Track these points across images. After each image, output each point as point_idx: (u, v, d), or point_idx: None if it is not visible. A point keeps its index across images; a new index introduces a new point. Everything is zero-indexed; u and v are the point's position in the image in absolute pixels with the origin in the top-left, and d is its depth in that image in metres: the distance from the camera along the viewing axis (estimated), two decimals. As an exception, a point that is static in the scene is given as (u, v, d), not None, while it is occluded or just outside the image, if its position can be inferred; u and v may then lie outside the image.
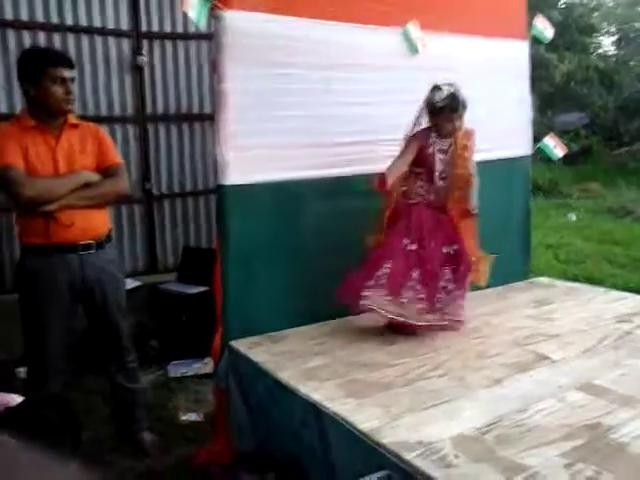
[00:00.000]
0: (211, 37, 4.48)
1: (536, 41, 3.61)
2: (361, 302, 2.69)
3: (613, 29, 19.00)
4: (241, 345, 2.71)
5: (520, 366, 2.39)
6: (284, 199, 2.93)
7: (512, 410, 2.01)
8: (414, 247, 2.79)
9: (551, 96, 15.38)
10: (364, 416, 2.00)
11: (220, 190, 2.78)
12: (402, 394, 2.18)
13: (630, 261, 6.68)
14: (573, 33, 16.68)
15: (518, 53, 3.66)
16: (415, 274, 2.74)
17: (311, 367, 2.46)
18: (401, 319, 2.70)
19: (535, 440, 1.82)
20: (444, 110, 2.77)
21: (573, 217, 9.65)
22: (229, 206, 2.78)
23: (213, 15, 2.71)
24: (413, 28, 2.95)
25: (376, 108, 3.14)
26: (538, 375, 2.31)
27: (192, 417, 3.13)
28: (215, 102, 2.81)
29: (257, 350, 2.65)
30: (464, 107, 2.79)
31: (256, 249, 2.85)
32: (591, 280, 5.49)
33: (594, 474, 1.62)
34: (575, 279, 5.20)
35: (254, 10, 2.75)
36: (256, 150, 2.82)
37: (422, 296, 2.73)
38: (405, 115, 3.22)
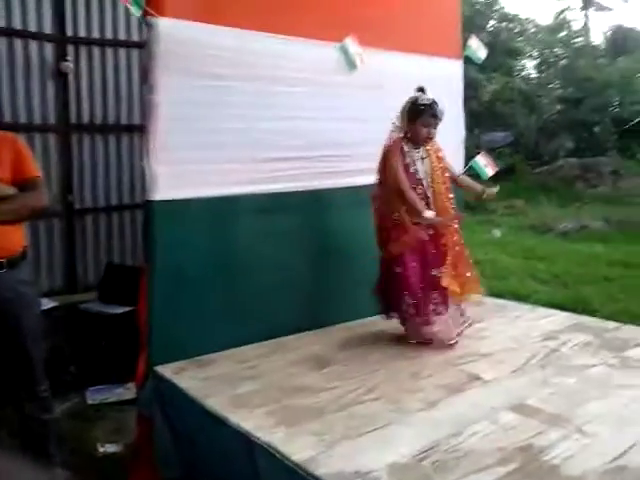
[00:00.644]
0: (142, 45, 4.34)
1: (469, 61, 3.68)
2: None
3: (535, 53, 20.00)
4: (167, 370, 2.57)
5: (454, 387, 2.38)
6: (216, 216, 2.82)
7: (447, 434, 1.98)
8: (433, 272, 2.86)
9: (478, 115, 15.96)
10: (297, 446, 1.92)
11: (148, 206, 2.63)
12: (336, 420, 2.11)
13: (552, 277, 6.92)
14: (500, 55, 17.43)
15: (453, 72, 3.73)
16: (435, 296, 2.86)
17: (241, 393, 2.35)
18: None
19: (471, 465, 1.80)
20: (425, 112, 2.81)
21: (497, 233, 9.95)
22: (157, 223, 2.64)
23: (145, 22, 2.60)
24: (351, 43, 2.93)
25: (314, 123, 3.10)
26: (471, 396, 2.31)
27: (111, 449, 2.93)
28: (145, 113, 2.67)
29: (184, 375, 2.52)
30: (441, 117, 2.85)
31: (185, 268, 2.72)
32: (516, 296, 5.63)
33: (529, 500, 1.62)
34: (501, 295, 5.32)
35: (189, 19, 2.65)
36: (188, 164, 2.70)
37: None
38: (344, 132, 3.21)
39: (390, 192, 2.85)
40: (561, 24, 22.14)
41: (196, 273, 2.76)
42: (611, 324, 3.24)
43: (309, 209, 3.18)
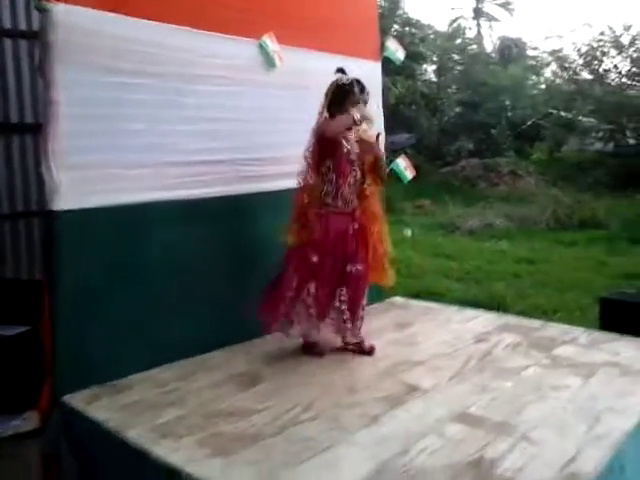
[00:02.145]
0: (33, 35, 3.91)
1: (389, 62, 3.63)
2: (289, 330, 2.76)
3: (435, 58, 20.66)
4: (77, 400, 2.29)
5: (393, 399, 2.27)
6: (125, 225, 2.57)
7: (395, 453, 1.86)
8: (333, 264, 2.72)
9: (385, 118, 16.30)
10: (234, 478, 1.73)
11: (50, 216, 2.36)
12: (274, 445, 1.94)
13: (464, 274, 7.09)
14: (404, 59, 17.86)
15: (372, 73, 3.64)
16: (343, 293, 2.72)
17: (165, 421, 2.13)
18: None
19: (423, 487, 1.68)
20: (351, 91, 2.66)
21: (409, 232, 10.13)
22: (61, 234, 2.37)
23: (38, 7, 2.29)
24: (270, 41, 2.76)
25: (232, 125, 2.92)
26: (413, 408, 2.20)
27: (10, 494, 2.56)
28: (43, 112, 2.39)
29: (97, 405, 2.25)
30: (369, 93, 2.72)
31: (93, 283, 2.46)
32: (434, 295, 5.69)
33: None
34: (419, 294, 5.35)
35: (91, 6, 2.39)
36: (94, 169, 2.45)
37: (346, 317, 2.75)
38: (263, 133, 3.04)
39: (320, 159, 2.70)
40: (457, 31, 23.09)
41: (105, 288, 2.50)
42: (535, 322, 3.29)
43: (226, 216, 2.99)
